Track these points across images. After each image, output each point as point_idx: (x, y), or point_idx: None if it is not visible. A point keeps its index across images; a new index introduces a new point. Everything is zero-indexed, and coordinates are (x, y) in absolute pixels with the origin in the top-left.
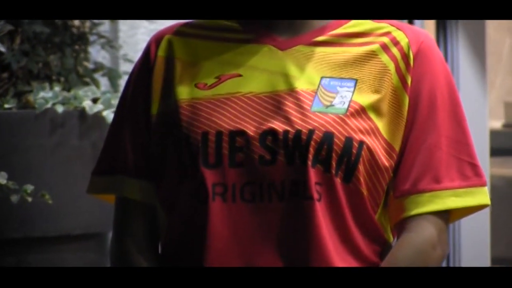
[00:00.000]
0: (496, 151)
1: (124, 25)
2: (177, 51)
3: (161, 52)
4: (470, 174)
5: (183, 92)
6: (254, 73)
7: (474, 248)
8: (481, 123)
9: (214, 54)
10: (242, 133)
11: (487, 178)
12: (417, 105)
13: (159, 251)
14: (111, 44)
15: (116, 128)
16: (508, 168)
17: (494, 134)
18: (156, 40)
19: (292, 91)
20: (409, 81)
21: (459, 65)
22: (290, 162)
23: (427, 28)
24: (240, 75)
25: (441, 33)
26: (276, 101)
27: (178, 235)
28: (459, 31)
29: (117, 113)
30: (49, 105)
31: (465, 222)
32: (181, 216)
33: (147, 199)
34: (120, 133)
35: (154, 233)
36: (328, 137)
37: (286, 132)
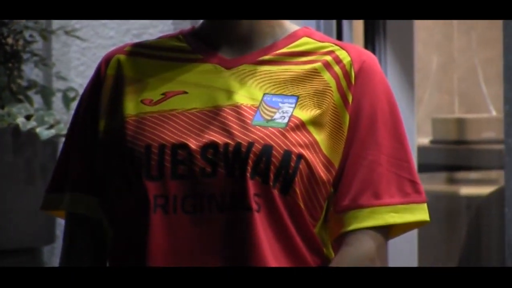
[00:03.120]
0: (424, 167)
1: (57, 43)
2: (126, 69)
3: (110, 71)
4: (409, 191)
5: (130, 108)
6: (199, 90)
7: (401, 262)
8: (409, 140)
9: (161, 72)
10: (184, 146)
11: None
12: (358, 122)
13: (107, 264)
14: (44, 62)
15: (66, 146)
16: (436, 183)
17: (421, 150)
18: (106, 59)
19: (234, 106)
20: (350, 99)
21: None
22: (230, 174)
23: (355, 44)
24: (185, 92)
25: (369, 49)
26: (218, 115)
27: (122, 246)
28: (387, 47)
29: (68, 132)
30: None
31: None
32: (124, 228)
33: (94, 213)
34: (69, 150)
35: (100, 247)
36: (267, 149)
37: (226, 144)
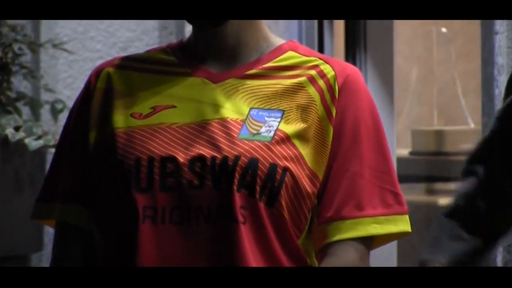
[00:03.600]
0: (403, 178)
1: (45, 56)
2: (115, 82)
3: (100, 84)
4: (392, 202)
5: (119, 121)
6: (187, 104)
7: None
8: None
9: (151, 86)
10: (172, 159)
11: None
12: (341, 135)
13: None
14: (32, 74)
15: (57, 157)
16: (415, 194)
17: (401, 161)
18: (97, 72)
19: (221, 120)
20: (334, 112)
21: None
22: (216, 187)
23: (336, 56)
24: (174, 106)
25: (350, 62)
26: (205, 129)
27: (112, 257)
28: (368, 60)
29: (58, 143)
30: None
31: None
32: (115, 239)
33: (84, 224)
34: (60, 161)
35: (90, 256)
36: (253, 163)
37: (213, 158)
